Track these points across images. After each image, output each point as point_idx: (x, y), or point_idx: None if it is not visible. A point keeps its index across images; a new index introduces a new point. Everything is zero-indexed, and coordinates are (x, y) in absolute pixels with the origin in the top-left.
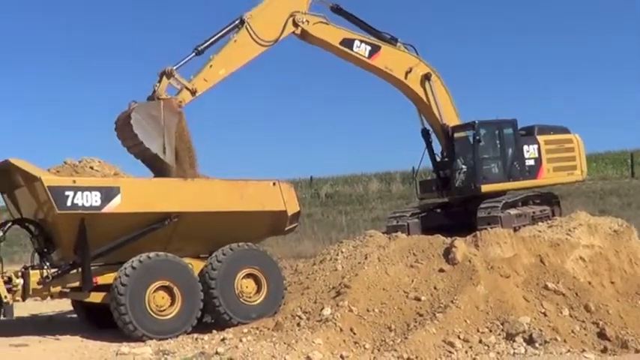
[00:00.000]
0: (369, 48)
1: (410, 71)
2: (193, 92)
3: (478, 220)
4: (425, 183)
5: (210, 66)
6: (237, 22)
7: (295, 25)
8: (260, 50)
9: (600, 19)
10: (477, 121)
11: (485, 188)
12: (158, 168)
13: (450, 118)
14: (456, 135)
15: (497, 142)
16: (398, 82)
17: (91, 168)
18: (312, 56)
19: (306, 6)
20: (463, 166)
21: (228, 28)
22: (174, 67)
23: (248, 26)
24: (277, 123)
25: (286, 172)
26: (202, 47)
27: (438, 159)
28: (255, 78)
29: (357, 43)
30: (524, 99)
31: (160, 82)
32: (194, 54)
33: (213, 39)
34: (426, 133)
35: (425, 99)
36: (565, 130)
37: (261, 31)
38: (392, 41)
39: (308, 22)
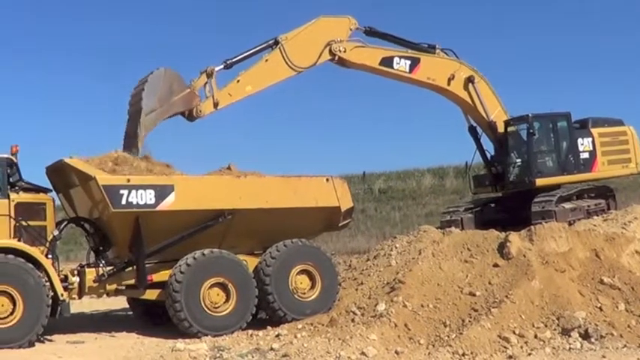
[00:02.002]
0: (409, 62)
1: (452, 77)
2: (215, 104)
3: (532, 215)
4: (478, 178)
5: (237, 81)
6: (271, 42)
7: (332, 53)
8: (290, 74)
9: None
10: (530, 115)
11: (540, 182)
12: (129, 129)
13: (498, 114)
14: (508, 129)
15: (552, 135)
16: (442, 90)
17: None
18: None
19: (346, 35)
20: (517, 160)
21: (260, 47)
22: (217, 70)
23: (282, 48)
24: (330, 119)
25: (339, 167)
26: (232, 61)
27: (489, 155)
28: (306, 75)
29: (396, 60)
30: (577, 91)
31: (199, 78)
32: (223, 67)
33: (243, 55)
34: (473, 131)
35: (470, 101)
36: (619, 123)
37: (294, 55)
38: (430, 50)
39: (345, 49)
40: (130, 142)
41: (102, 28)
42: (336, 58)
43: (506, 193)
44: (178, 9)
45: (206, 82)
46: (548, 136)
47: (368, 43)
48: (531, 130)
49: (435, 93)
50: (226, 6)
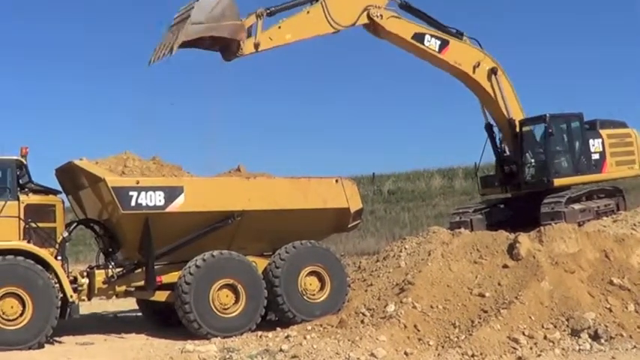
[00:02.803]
0: (438, 42)
1: (477, 65)
2: (257, 45)
3: (542, 216)
4: (486, 178)
5: (279, 27)
6: None
7: (369, 18)
8: (328, 30)
9: None
10: (548, 115)
11: (558, 182)
12: (168, 36)
13: (516, 112)
14: (524, 129)
15: (565, 135)
16: (466, 76)
17: (125, 165)
18: (367, 54)
19: (383, 3)
20: (533, 160)
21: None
22: (266, 11)
23: (324, 3)
24: (339, 120)
25: (348, 169)
26: (275, 9)
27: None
28: (314, 76)
29: (427, 37)
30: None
31: (247, 17)
32: (266, 13)
33: (287, 5)
34: (489, 128)
35: (492, 93)
36: (623, 125)
37: (334, 12)
38: (458, 35)
39: (382, 16)
40: (163, 47)
41: (105, 32)
42: (372, 23)
43: (516, 194)
44: None
45: (253, 23)
46: (563, 136)
47: (403, 17)
48: (550, 130)
49: (459, 80)
50: None
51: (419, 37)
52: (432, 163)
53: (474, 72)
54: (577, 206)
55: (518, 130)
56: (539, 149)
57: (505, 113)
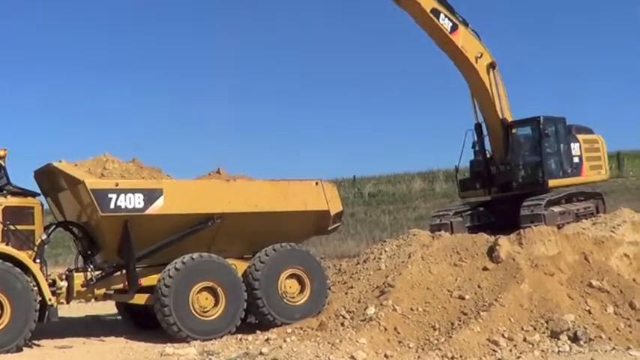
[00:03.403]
0: (450, 24)
1: (480, 56)
2: None
3: (522, 218)
4: (466, 181)
5: None
6: None
7: None
8: None
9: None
10: (542, 117)
11: (552, 183)
12: None
13: (507, 112)
14: (516, 130)
15: (554, 138)
16: (468, 65)
17: (105, 168)
18: (353, 55)
19: None
20: (525, 161)
21: None
22: None
23: None
24: (320, 123)
25: (329, 171)
26: None
27: (488, 155)
28: (299, 79)
29: (442, 15)
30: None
31: None
32: None
33: None
34: (479, 128)
35: (489, 89)
36: (591, 131)
37: None
38: (465, 24)
39: None
40: None
41: (92, 32)
42: None
43: (496, 197)
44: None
45: None
46: (553, 139)
47: None
48: (546, 132)
49: (461, 69)
50: None
51: (436, 13)
52: (412, 166)
53: (476, 62)
54: (557, 209)
55: (509, 130)
56: (533, 150)
57: (499, 112)
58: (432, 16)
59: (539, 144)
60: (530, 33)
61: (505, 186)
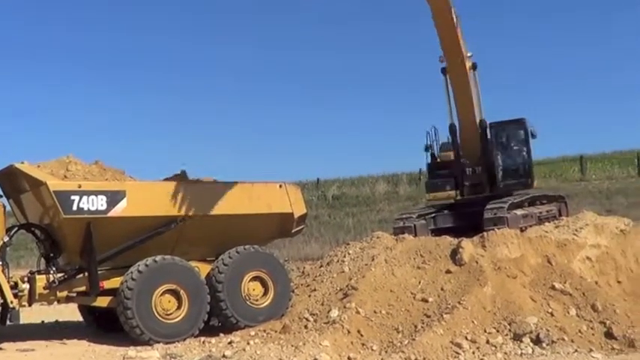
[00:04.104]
0: (455, 18)
1: (470, 56)
2: None
3: (485, 221)
4: (436, 182)
5: None
6: None
7: None
8: None
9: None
10: (525, 118)
11: (536, 183)
12: None
13: (481, 113)
14: (499, 131)
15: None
16: (461, 62)
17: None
18: (319, 57)
19: None
20: (508, 162)
21: None
22: None
23: None
24: (284, 125)
25: (293, 174)
26: None
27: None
28: (262, 80)
29: (453, 9)
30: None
31: None
32: None
33: None
34: (453, 129)
35: (471, 88)
36: None
37: None
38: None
39: None
40: None
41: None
42: None
43: (459, 200)
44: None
45: None
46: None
47: None
48: (532, 132)
49: (450, 67)
50: None
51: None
52: (376, 168)
53: (465, 59)
54: (520, 212)
55: (489, 131)
56: (518, 151)
57: (477, 113)
58: (451, 4)
59: (526, 144)
60: (490, 33)
61: (477, 187)
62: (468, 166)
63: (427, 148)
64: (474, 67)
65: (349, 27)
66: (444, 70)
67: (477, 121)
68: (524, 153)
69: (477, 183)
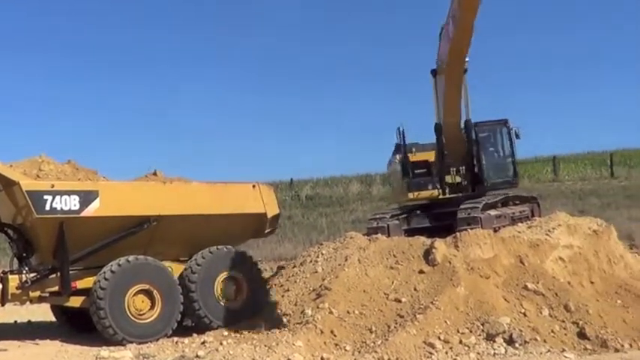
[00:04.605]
0: None
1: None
2: None
3: (458, 221)
4: (418, 181)
5: None
6: None
7: None
8: None
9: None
10: (508, 119)
11: (520, 183)
12: None
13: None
14: (482, 131)
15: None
16: (464, 63)
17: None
18: (290, 57)
19: None
20: (493, 161)
21: None
22: None
23: None
24: (257, 124)
25: (266, 174)
26: None
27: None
28: (235, 77)
29: None
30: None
31: None
32: None
33: None
34: (439, 129)
35: (463, 89)
36: None
37: None
38: None
39: None
40: None
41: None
42: None
43: (434, 200)
44: None
45: None
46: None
47: None
48: (517, 133)
49: (452, 65)
50: None
51: None
52: (349, 169)
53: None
54: (493, 212)
55: (474, 131)
56: (502, 151)
57: (465, 113)
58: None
59: (511, 144)
60: None
61: (459, 187)
62: (452, 166)
63: (400, 148)
64: (466, 70)
65: (311, 20)
66: (434, 72)
67: (464, 121)
68: (509, 153)
69: (459, 182)
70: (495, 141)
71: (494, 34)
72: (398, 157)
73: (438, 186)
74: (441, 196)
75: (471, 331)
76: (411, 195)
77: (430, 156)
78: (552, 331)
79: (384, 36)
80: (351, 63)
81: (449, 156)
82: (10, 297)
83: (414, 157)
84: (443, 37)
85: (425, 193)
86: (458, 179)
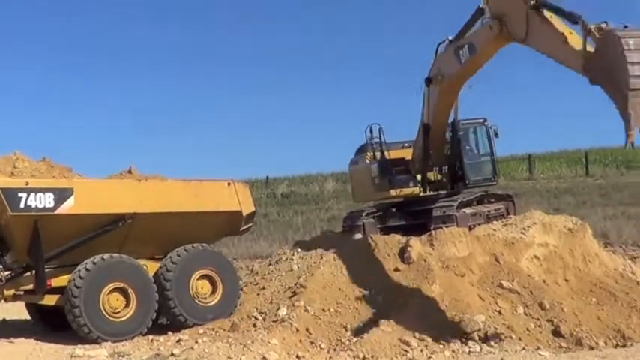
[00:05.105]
0: None
1: None
2: None
3: (433, 219)
4: (400, 178)
5: None
6: None
7: None
8: None
9: None
10: (487, 118)
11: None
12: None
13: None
14: (463, 130)
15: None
16: (471, 76)
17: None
18: (267, 53)
19: None
20: (474, 160)
21: None
22: None
23: None
24: (233, 122)
25: (242, 172)
26: None
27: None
28: (211, 73)
29: None
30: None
31: None
32: None
33: None
34: (426, 129)
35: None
36: None
37: None
38: None
39: None
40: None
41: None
42: None
43: (411, 199)
44: None
45: None
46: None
47: None
48: (496, 132)
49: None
50: None
51: None
52: (325, 167)
53: None
54: (468, 210)
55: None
56: (482, 149)
57: (454, 114)
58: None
59: (489, 143)
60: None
61: (439, 184)
62: (436, 165)
63: (365, 148)
64: None
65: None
66: (428, 81)
67: (450, 122)
68: (489, 151)
69: (439, 180)
70: (475, 139)
71: None
72: (369, 155)
73: (419, 184)
74: (422, 194)
75: (446, 329)
76: (393, 192)
77: (406, 154)
78: (527, 329)
79: (358, 30)
80: (323, 57)
81: (433, 155)
82: None
83: (389, 156)
84: (447, 54)
85: (407, 191)
86: (439, 177)
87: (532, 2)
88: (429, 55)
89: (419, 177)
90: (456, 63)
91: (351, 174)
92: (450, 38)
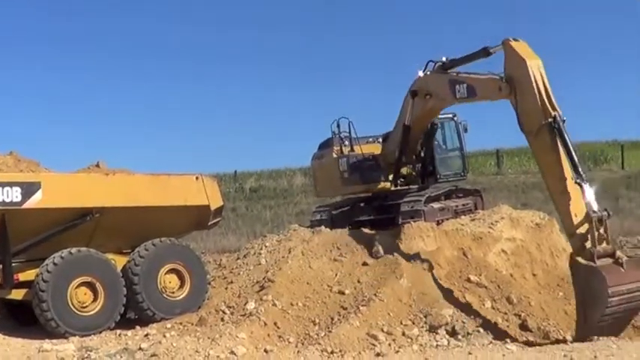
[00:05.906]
0: None
1: None
2: None
3: (401, 214)
4: (371, 173)
5: None
6: None
7: None
8: None
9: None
10: (456, 113)
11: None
12: None
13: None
14: (434, 125)
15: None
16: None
17: None
18: (238, 49)
19: None
20: (449, 155)
21: None
22: None
23: None
24: (201, 115)
25: (210, 166)
26: None
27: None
28: (180, 67)
29: None
30: None
31: None
32: None
33: None
34: (407, 129)
35: None
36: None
37: None
38: None
39: None
40: None
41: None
42: None
43: (380, 193)
44: None
45: None
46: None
47: None
48: (465, 127)
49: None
50: None
51: None
52: (294, 161)
53: None
54: (436, 205)
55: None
56: (451, 145)
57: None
58: None
59: (459, 138)
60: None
61: (410, 179)
62: (409, 162)
63: (329, 142)
64: None
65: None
66: (414, 93)
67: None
68: (458, 146)
69: (410, 174)
70: (444, 134)
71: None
72: (336, 149)
73: (390, 178)
74: (392, 188)
75: (413, 323)
76: (363, 187)
77: (375, 149)
78: (495, 323)
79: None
80: (292, 52)
81: (409, 152)
82: None
83: (361, 150)
84: (440, 80)
85: (378, 185)
86: (410, 171)
87: (550, 120)
88: (403, 56)
89: (389, 171)
90: (449, 94)
91: (314, 168)
92: (445, 60)
